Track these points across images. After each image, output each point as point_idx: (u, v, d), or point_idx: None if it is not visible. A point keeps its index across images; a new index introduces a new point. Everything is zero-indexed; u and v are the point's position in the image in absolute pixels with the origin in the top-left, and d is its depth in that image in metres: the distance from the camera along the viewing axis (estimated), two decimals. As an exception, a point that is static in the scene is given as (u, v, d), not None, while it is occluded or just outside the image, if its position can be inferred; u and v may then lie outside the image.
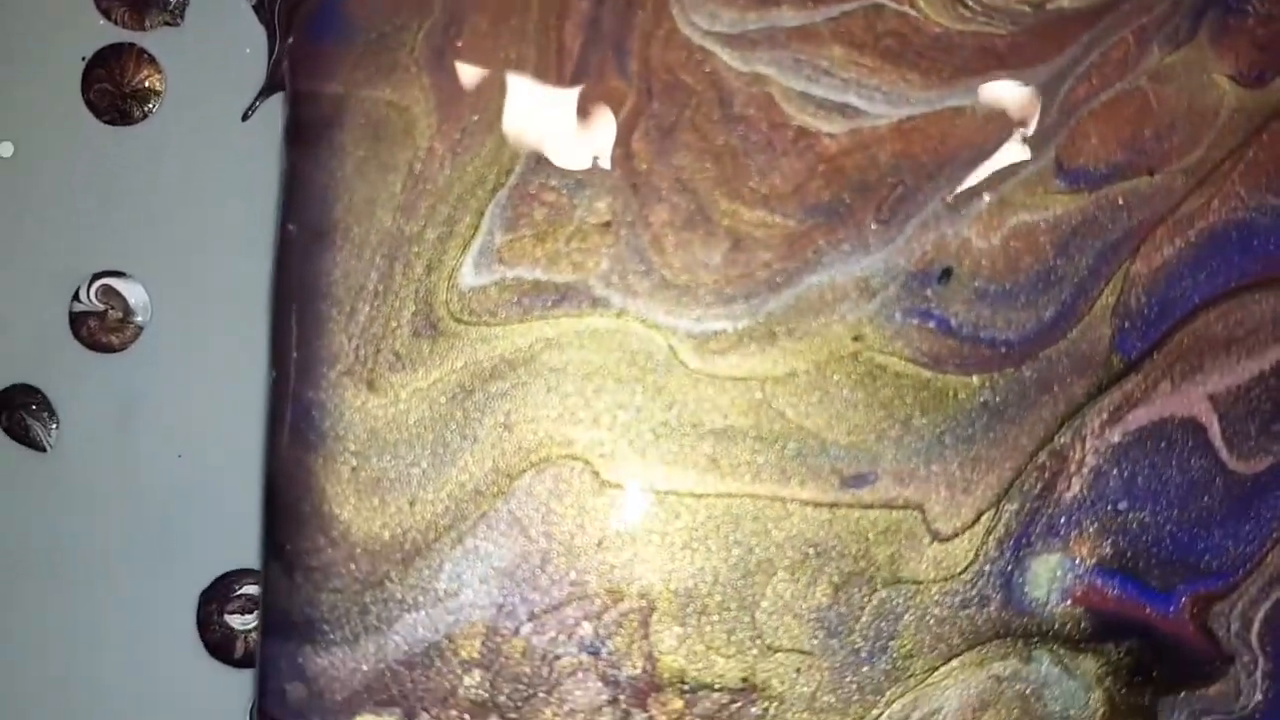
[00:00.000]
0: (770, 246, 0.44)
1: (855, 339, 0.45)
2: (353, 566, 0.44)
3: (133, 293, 0.52)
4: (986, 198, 0.45)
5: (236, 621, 0.52)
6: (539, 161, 0.44)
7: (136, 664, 0.51)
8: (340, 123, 0.44)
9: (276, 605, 0.44)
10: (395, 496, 0.44)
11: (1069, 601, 0.45)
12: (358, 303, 0.44)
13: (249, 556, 0.50)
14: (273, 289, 0.45)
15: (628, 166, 0.44)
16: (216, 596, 0.52)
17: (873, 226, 0.44)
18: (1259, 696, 0.45)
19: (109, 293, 0.52)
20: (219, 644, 0.52)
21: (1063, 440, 0.45)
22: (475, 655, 0.44)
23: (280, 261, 0.44)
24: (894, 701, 0.44)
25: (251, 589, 0.51)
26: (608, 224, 0.44)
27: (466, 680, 0.44)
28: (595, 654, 0.44)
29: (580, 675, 0.44)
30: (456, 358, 0.44)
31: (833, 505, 0.44)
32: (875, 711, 0.44)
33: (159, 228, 0.52)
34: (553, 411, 0.44)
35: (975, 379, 0.45)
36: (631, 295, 0.44)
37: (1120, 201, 0.45)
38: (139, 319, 0.52)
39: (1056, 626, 0.45)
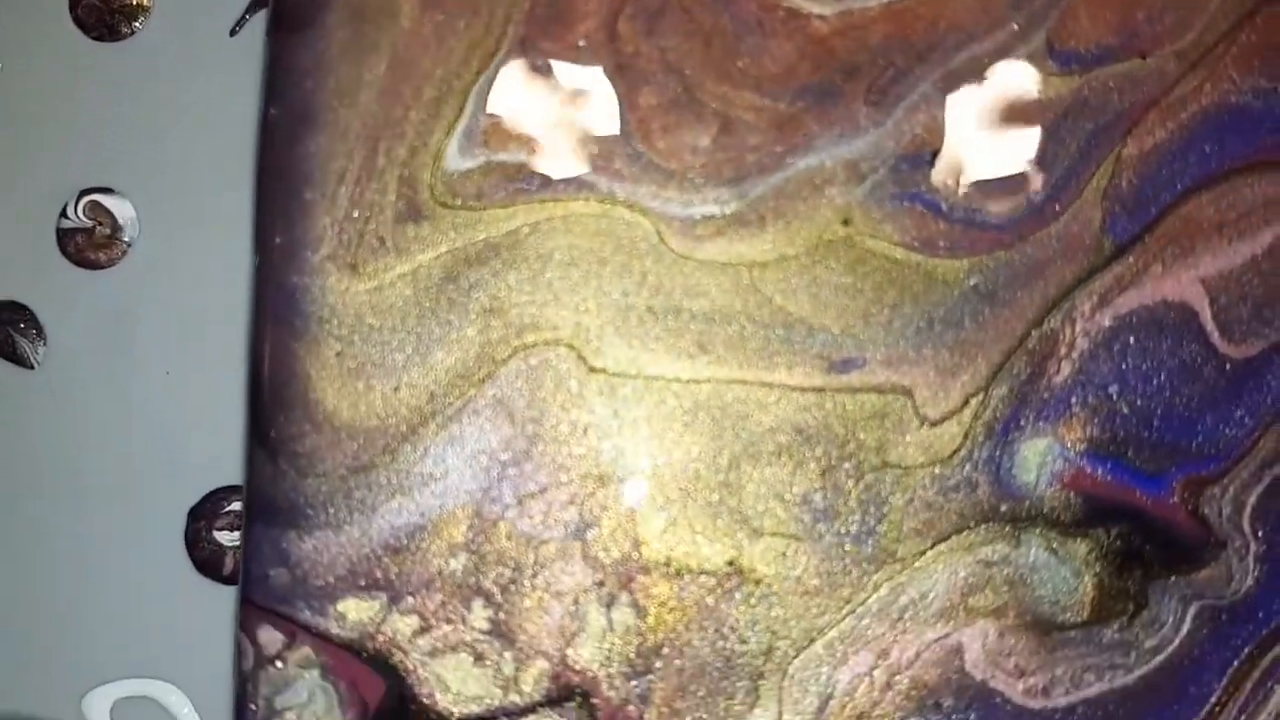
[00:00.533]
0: (759, 129, 0.44)
1: (844, 223, 0.44)
2: (337, 451, 0.43)
3: (120, 209, 0.52)
4: (977, 80, 0.44)
5: (225, 538, 0.52)
6: (524, 43, 0.44)
7: (125, 582, 0.51)
8: (324, 3, 0.43)
9: (261, 492, 0.43)
10: (380, 381, 0.43)
11: (1059, 485, 0.44)
12: (340, 186, 0.43)
13: (237, 473, 0.50)
14: (255, 175, 0.44)
15: (614, 48, 0.44)
16: (205, 513, 0.52)
17: (863, 109, 0.44)
18: (1250, 581, 0.45)
19: (97, 209, 0.52)
20: (207, 561, 0.52)
21: (1052, 324, 0.44)
22: (460, 539, 0.43)
23: (263, 146, 0.44)
24: (881, 585, 0.44)
25: (240, 505, 0.51)
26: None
27: (452, 564, 0.43)
28: (581, 538, 0.44)
29: (566, 559, 0.43)
30: (440, 242, 0.44)
31: (820, 390, 0.44)
32: (863, 595, 0.44)
33: (147, 144, 0.52)
34: (538, 296, 0.44)
35: (965, 262, 0.44)
36: (618, 179, 0.44)
37: (1111, 84, 0.44)
38: (127, 236, 0.52)
39: (1046, 510, 0.44)
